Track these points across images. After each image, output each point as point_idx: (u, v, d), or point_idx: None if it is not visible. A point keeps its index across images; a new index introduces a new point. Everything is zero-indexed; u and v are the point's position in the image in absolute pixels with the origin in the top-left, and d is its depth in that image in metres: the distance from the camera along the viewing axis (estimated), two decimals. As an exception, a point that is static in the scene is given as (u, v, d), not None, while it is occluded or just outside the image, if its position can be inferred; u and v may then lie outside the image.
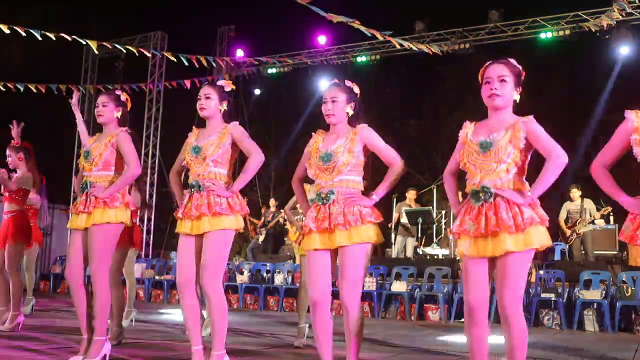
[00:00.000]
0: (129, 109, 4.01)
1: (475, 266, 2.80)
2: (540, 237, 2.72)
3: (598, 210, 9.29)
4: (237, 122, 3.59)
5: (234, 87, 3.67)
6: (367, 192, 3.26)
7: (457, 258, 8.55)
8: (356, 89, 3.35)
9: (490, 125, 2.85)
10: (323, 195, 3.18)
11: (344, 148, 3.18)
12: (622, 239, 2.59)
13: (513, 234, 2.68)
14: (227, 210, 3.41)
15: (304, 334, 5.03)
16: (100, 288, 3.66)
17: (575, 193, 9.38)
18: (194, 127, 3.68)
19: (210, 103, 3.52)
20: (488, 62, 2.90)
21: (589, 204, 9.33)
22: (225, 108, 3.58)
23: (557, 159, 2.71)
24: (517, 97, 2.86)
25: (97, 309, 3.67)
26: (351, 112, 3.29)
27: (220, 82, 3.60)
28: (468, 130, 2.92)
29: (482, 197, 2.76)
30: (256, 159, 3.47)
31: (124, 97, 3.95)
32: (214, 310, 3.36)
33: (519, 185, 2.76)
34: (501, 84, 2.80)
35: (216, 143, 3.44)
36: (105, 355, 3.66)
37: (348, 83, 3.33)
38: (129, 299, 6.04)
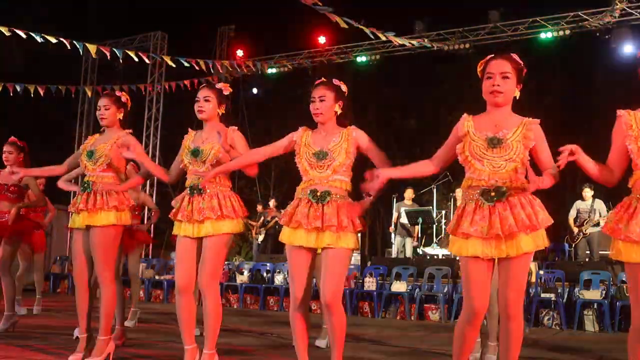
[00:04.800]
0: (129, 109, 4.03)
1: (480, 268, 2.73)
2: (545, 238, 2.73)
3: (608, 211, 9.24)
4: (236, 128, 3.59)
5: (230, 90, 3.68)
6: (352, 192, 3.25)
7: (457, 258, 8.55)
8: (344, 88, 3.30)
9: (495, 121, 2.78)
10: (319, 194, 3.14)
11: (340, 148, 3.16)
12: (604, 231, 2.57)
13: (529, 234, 2.67)
14: (232, 213, 3.44)
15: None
16: (108, 288, 3.69)
17: (587, 192, 9.32)
18: (189, 129, 3.69)
19: (208, 106, 3.53)
20: (490, 56, 2.84)
21: (599, 204, 9.28)
22: (224, 111, 3.60)
23: (554, 179, 2.64)
24: (518, 94, 2.80)
25: (103, 309, 3.69)
26: (339, 111, 3.26)
27: (219, 86, 3.62)
28: (469, 124, 2.84)
29: (496, 198, 2.69)
30: (252, 172, 3.46)
31: (124, 98, 3.98)
32: (210, 311, 3.39)
33: (525, 185, 2.69)
34: (503, 80, 2.74)
35: (217, 147, 3.45)
36: (109, 354, 3.69)
37: (336, 82, 3.29)
38: (134, 299, 6.05)
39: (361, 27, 9.70)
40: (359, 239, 3.26)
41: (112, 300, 3.74)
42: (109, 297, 3.70)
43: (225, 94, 3.60)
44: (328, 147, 3.18)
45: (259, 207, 12.45)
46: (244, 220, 3.56)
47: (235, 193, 3.59)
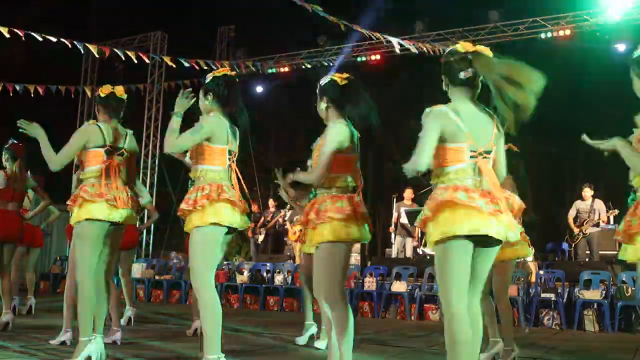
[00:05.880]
0: (123, 100, 4.03)
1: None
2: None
3: (608, 211, 9.24)
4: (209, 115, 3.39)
5: (225, 72, 3.50)
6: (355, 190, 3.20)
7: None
8: (324, 80, 3.26)
9: None
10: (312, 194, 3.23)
11: (318, 145, 3.19)
12: (622, 235, 2.53)
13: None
14: (192, 205, 3.23)
15: (306, 332, 5.09)
16: (81, 285, 3.61)
17: (587, 192, 9.32)
18: None
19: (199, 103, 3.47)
20: None
21: (599, 204, 9.28)
22: (211, 99, 3.41)
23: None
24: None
25: (78, 309, 3.63)
26: (325, 105, 3.24)
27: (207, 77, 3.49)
28: None
29: None
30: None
31: (101, 92, 3.98)
32: (200, 310, 3.19)
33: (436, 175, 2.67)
34: None
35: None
36: (90, 357, 3.57)
37: (321, 81, 3.29)
38: (126, 297, 6.03)
39: (361, 30, 9.74)
40: (344, 228, 3.03)
41: (90, 299, 3.61)
42: (83, 296, 3.60)
43: (207, 81, 3.44)
44: (314, 145, 3.23)
45: (255, 207, 12.43)
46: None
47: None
